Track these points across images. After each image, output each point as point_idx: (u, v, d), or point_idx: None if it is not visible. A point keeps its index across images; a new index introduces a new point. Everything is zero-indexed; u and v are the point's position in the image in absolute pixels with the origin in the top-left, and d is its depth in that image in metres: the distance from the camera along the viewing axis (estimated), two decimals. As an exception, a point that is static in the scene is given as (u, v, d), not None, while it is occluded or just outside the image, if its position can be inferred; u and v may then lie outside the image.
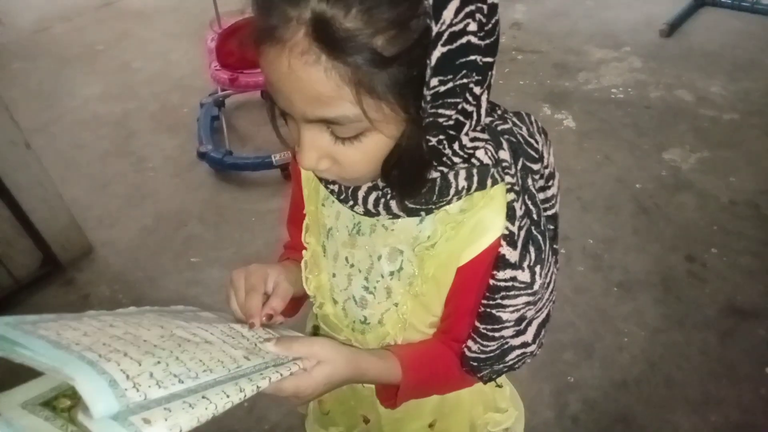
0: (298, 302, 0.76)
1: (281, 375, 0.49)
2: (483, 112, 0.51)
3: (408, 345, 0.68)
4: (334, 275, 0.69)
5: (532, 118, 0.63)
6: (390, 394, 0.66)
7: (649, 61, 3.01)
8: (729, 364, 1.66)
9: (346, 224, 0.65)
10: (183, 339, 0.48)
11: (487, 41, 0.46)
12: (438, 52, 0.42)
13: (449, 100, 0.46)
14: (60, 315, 0.48)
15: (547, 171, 0.63)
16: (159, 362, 0.42)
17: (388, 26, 0.41)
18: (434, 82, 0.44)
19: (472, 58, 0.45)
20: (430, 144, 0.49)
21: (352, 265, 0.67)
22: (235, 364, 0.47)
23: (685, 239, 2.04)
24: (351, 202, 0.59)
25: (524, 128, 0.61)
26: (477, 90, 0.48)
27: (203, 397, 0.41)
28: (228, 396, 0.42)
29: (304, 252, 0.71)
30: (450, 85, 0.45)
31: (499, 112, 0.61)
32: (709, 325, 1.76)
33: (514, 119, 0.61)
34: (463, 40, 0.43)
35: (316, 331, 0.81)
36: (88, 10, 3.85)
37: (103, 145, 2.67)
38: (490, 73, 0.48)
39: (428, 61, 0.43)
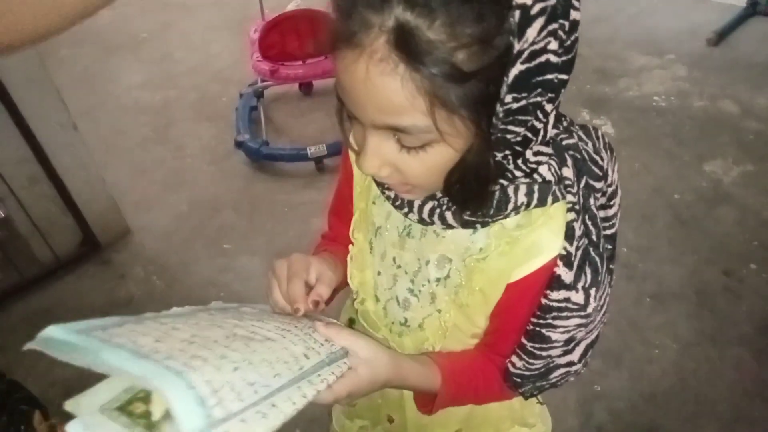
0: (333, 293, 0.76)
1: (336, 376, 0.50)
2: (550, 127, 0.50)
3: (449, 354, 0.67)
4: (379, 273, 0.69)
5: (599, 133, 0.61)
6: (427, 401, 0.65)
7: (694, 70, 2.94)
8: (763, 383, 1.61)
9: (397, 225, 0.65)
10: (246, 338, 0.49)
11: (565, 58, 0.45)
12: (516, 70, 0.42)
13: (520, 118, 0.45)
14: (123, 318, 0.48)
15: (610, 189, 0.61)
16: (236, 368, 0.43)
17: (470, 42, 0.40)
18: (508, 98, 0.43)
19: (549, 77, 0.44)
20: (496, 159, 0.49)
21: (399, 266, 0.66)
22: (297, 364, 0.47)
23: (723, 253, 1.99)
24: (406, 209, 0.58)
25: (590, 144, 0.58)
26: (548, 107, 0.47)
27: (273, 405, 0.42)
28: (294, 403, 0.43)
29: (350, 247, 0.71)
30: (523, 102, 0.44)
31: (564, 124, 0.59)
32: (744, 342, 1.71)
33: (581, 133, 0.59)
34: (543, 58, 0.43)
35: (351, 323, 0.81)
36: (133, 0, 3.94)
37: (143, 131, 2.73)
38: (562, 90, 0.47)
39: (505, 78, 0.42)
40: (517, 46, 0.41)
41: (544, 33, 0.42)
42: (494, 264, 0.58)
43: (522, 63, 0.42)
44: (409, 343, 0.69)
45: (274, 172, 2.45)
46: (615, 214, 0.62)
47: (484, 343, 0.67)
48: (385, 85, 0.42)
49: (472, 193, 0.51)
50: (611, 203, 0.61)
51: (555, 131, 0.55)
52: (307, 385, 0.46)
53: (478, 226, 0.56)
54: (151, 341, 0.43)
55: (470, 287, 0.60)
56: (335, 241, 0.76)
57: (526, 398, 0.69)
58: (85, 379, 0.43)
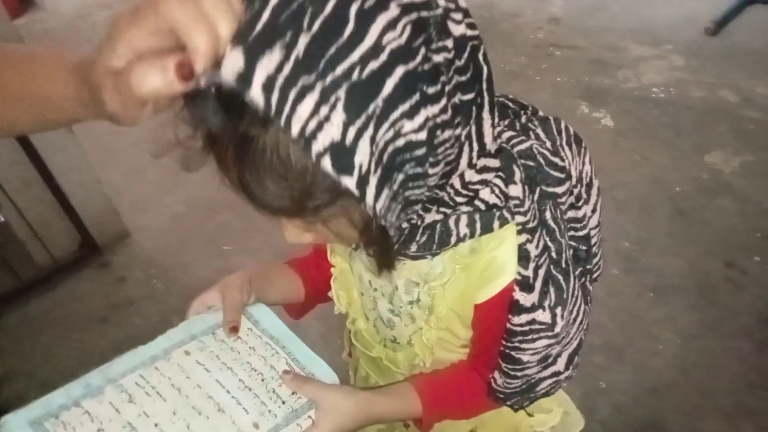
0: (301, 306, 0.76)
1: None
2: (488, 140, 0.46)
3: (434, 374, 0.67)
4: (362, 294, 0.69)
5: (562, 125, 0.58)
6: (418, 420, 0.65)
7: (691, 60, 2.93)
8: (766, 374, 1.61)
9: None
10: (195, 412, 0.51)
11: (447, 103, 0.40)
12: (370, 194, 0.38)
13: (412, 184, 0.41)
14: (86, 386, 0.52)
15: (577, 189, 0.58)
16: None
17: (283, 187, 0.38)
18: (381, 196, 0.39)
19: (418, 153, 0.39)
20: (409, 219, 0.48)
21: (375, 289, 0.66)
22: None
23: (724, 244, 1.98)
24: (354, 245, 0.57)
25: (548, 143, 0.55)
26: (455, 133, 0.43)
27: None
28: None
29: (332, 269, 0.71)
30: (410, 172, 0.40)
31: (523, 119, 0.56)
32: (747, 334, 1.71)
33: (539, 131, 0.56)
34: (401, 148, 0.38)
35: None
36: (127, -2, 3.91)
37: (137, 131, 2.68)
38: (473, 106, 0.43)
39: (365, 204, 0.38)
40: (352, 179, 0.36)
41: (387, 135, 0.37)
42: (455, 287, 0.57)
43: (373, 184, 0.38)
44: (402, 359, 0.69)
45: (271, 171, 2.43)
46: (586, 215, 0.60)
47: (471, 353, 0.67)
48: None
49: (387, 250, 0.50)
50: (579, 204, 0.58)
51: (510, 134, 0.53)
52: None
53: (428, 256, 0.55)
54: (93, 430, 0.48)
55: (438, 311, 0.60)
56: (318, 254, 0.75)
57: (515, 410, 0.68)
58: None
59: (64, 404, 0.49)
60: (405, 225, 0.51)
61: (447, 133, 0.42)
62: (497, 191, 0.50)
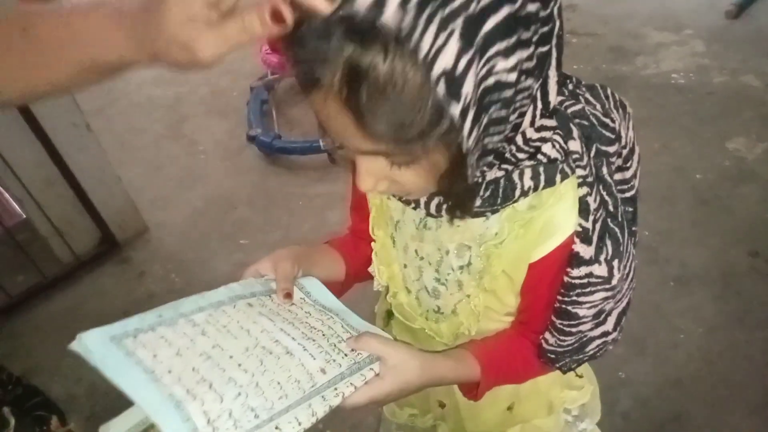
0: (340, 285, 0.77)
1: (354, 387, 0.51)
2: (552, 98, 0.48)
3: (485, 340, 0.67)
4: (405, 266, 0.69)
5: (608, 91, 0.59)
6: (471, 388, 0.66)
7: (713, 45, 2.86)
8: (794, 365, 1.57)
9: (413, 218, 0.65)
10: (266, 351, 0.51)
11: (533, 52, 0.43)
12: (467, 128, 0.41)
13: (493, 129, 0.44)
14: (161, 315, 0.51)
15: (625, 150, 0.59)
16: (239, 394, 0.46)
17: (402, 108, 0.39)
18: (472, 134, 0.42)
19: (506, 94, 0.43)
20: (482, 163, 0.48)
21: (422, 258, 0.66)
22: (311, 382, 0.49)
23: (749, 233, 1.93)
24: (413, 204, 0.58)
25: (599, 106, 0.56)
26: (532, 84, 0.45)
27: (276, 428, 0.44)
28: (300, 423, 0.45)
29: (373, 244, 0.72)
30: (489, 118, 0.43)
31: (570, 86, 0.57)
32: (773, 325, 1.67)
33: (588, 95, 0.57)
34: (492, 86, 0.41)
35: (390, 316, 0.82)
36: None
37: (156, 128, 2.74)
38: (547, 61, 0.46)
39: (462, 137, 0.41)
40: (457, 108, 0.39)
41: (483, 70, 0.40)
42: (511, 247, 0.57)
43: (472, 118, 0.41)
44: (445, 329, 0.70)
45: (287, 166, 2.44)
46: (633, 175, 0.61)
47: (518, 320, 0.67)
48: (346, 124, 0.42)
49: (464, 193, 0.52)
50: (628, 164, 0.60)
51: (560, 98, 0.54)
52: (319, 402, 0.48)
53: (489, 213, 0.56)
54: (171, 354, 0.47)
55: (491, 272, 0.60)
56: (356, 234, 0.77)
57: (564, 372, 0.69)
58: None
59: (140, 328, 0.49)
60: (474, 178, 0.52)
61: (528, 81, 0.45)
62: (557, 146, 0.52)
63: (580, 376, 0.84)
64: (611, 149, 0.55)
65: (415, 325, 0.73)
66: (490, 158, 0.49)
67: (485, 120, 0.43)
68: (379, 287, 0.75)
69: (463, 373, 0.63)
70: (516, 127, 0.48)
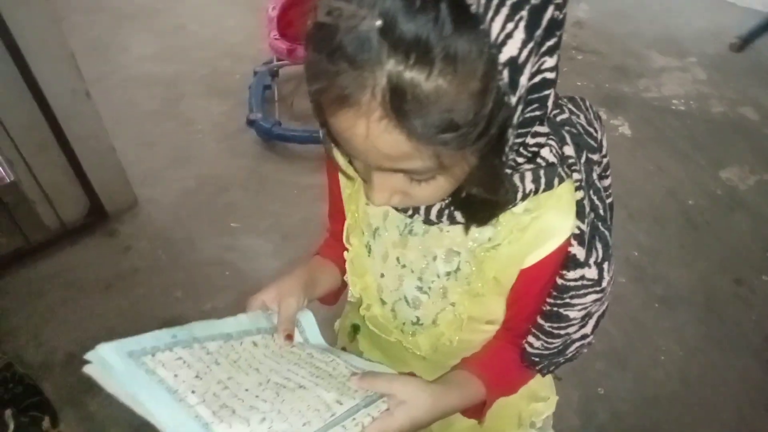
0: (337, 292, 0.77)
1: (372, 418, 0.50)
2: (551, 104, 0.47)
3: (478, 356, 0.67)
4: (382, 275, 0.68)
5: (587, 103, 0.61)
6: (476, 410, 0.65)
7: (714, 74, 2.90)
8: (769, 393, 1.60)
9: (397, 224, 0.63)
10: (280, 386, 0.50)
11: (556, 54, 0.43)
12: (516, 115, 0.41)
13: (521, 131, 0.45)
14: (174, 337, 0.50)
15: (605, 160, 0.61)
16: (264, 419, 0.44)
17: (467, 98, 0.37)
18: (512, 133, 0.43)
19: (547, 92, 0.43)
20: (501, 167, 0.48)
21: (403, 266, 0.65)
22: (329, 411, 0.48)
23: (735, 261, 1.96)
24: (410, 212, 0.57)
25: (582, 116, 0.58)
26: (549, 101, 0.46)
27: None
28: None
29: (346, 254, 0.70)
30: (527, 115, 0.44)
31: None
32: (752, 352, 1.70)
33: (570, 106, 0.58)
34: (539, 84, 0.42)
35: (355, 330, 0.81)
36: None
37: (153, 104, 2.70)
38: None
39: (509, 123, 0.41)
40: (513, 99, 0.39)
41: (536, 66, 0.40)
42: (505, 251, 0.57)
43: (521, 106, 0.41)
44: (423, 342, 0.68)
45: (284, 153, 2.42)
46: (610, 184, 0.63)
47: (505, 328, 0.67)
48: (388, 139, 0.39)
49: (482, 204, 0.51)
50: (607, 173, 0.62)
51: None
52: (339, 431, 0.47)
53: (488, 219, 0.55)
54: (191, 376, 0.46)
55: (483, 277, 0.59)
56: (335, 237, 0.75)
57: (543, 375, 0.69)
58: (89, 347, 0.44)
59: (157, 346, 0.47)
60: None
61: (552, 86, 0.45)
62: (554, 151, 0.52)
63: (560, 379, 0.84)
64: (595, 157, 0.58)
65: (390, 338, 0.71)
66: (511, 158, 0.48)
67: (521, 119, 0.42)
68: (352, 298, 0.74)
69: (469, 397, 0.62)
70: (528, 132, 0.47)
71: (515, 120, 0.41)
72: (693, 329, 1.76)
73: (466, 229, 0.56)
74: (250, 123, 2.41)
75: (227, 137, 2.51)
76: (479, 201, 0.51)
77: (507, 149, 0.44)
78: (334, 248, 0.75)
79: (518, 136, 0.45)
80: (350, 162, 0.52)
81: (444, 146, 0.39)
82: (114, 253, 1.99)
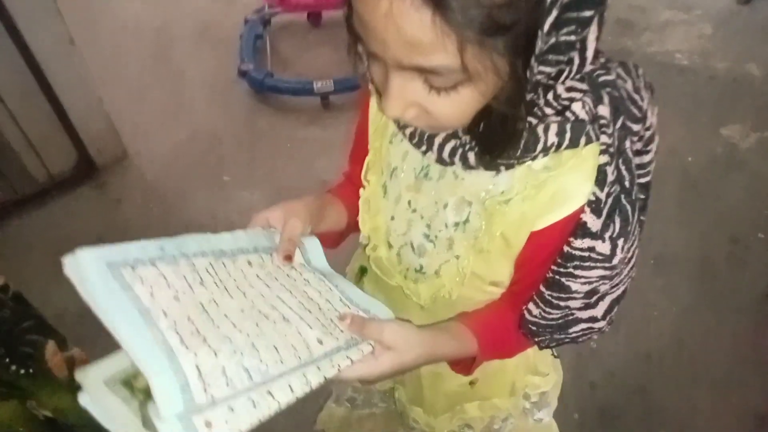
0: (339, 235, 0.75)
1: (351, 361, 0.49)
2: (588, 56, 0.45)
3: (478, 312, 0.66)
4: (393, 218, 0.66)
5: (640, 71, 0.56)
6: (464, 365, 0.64)
7: (720, 29, 2.82)
8: (760, 350, 1.62)
9: (414, 166, 0.61)
10: (262, 315, 0.49)
11: None
12: (552, 15, 0.38)
13: (552, 57, 0.41)
14: (162, 248, 0.48)
15: (647, 133, 0.56)
16: (235, 351, 0.43)
17: None
18: (543, 40, 0.39)
19: (587, 14, 0.40)
20: (527, 99, 0.45)
21: (414, 210, 0.63)
22: (307, 351, 0.47)
23: (732, 220, 1.95)
24: (424, 147, 0.55)
25: (629, 82, 0.54)
26: (587, 40, 0.43)
27: (268, 392, 0.42)
28: (293, 391, 0.43)
29: (361, 190, 0.68)
30: (560, 39, 0.40)
31: (602, 59, 0.53)
32: (745, 310, 1.71)
33: (620, 70, 0.54)
34: (564, 10, 0.38)
35: (362, 272, 0.80)
36: None
37: (142, 53, 2.61)
38: (602, 20, 0.42)
39: (542, 23, 0.38)
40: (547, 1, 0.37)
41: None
42: (517, 208, 0.54)
43: (555, 11, 0.38)
44: (424, 290, 0.67)
45: (277, 106, 2.36)
46: (651, 161, 0.58)
47: (510, 291, 0.65)
48: (412, 21, 0.37)
49: (499, 134, 0.48)
50: (648, 149, 0.57)
51: (591, 66, 0.50)
52: (314, 372, 0.46)
53: (503, 167, 0.52)
54: (169, 297, 0.44)
55: (490, 232, 0.57)
56: (352, 182, 0.73)
57: (541, 348, 0.68)
58: (81, 303, 0.41)
59: (140, 259, 0.45)
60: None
61: (589, 37, 0.42)
62: (587, 107, 0.49)
63: (557, 357, 0.83)
64: (635, 127, 0.53)
65: (392, 282, 0.70)
66: (534, 95, 0.46)
67: (554, 39, 0.39)
68: (364, 239, 0.72)
69: (459, 351, 0.62)
70: (557, 76, 0.45)
71: (547, 26, 0.38)
72: (687, 287, 1.77)
73: (487, 166, 0.53)
74: (242, 74, 2.34)
75: (219, 89, 2.44)
76: (497, 138, 0.48)
77: (534, 64, 0.41)
78: (347, 190, 0.74)
79: (545, 63, 0.42)
80: (369, 68, 0.48)
81: (470, 28, 0.36)
82: (105, 206, 1.96)
